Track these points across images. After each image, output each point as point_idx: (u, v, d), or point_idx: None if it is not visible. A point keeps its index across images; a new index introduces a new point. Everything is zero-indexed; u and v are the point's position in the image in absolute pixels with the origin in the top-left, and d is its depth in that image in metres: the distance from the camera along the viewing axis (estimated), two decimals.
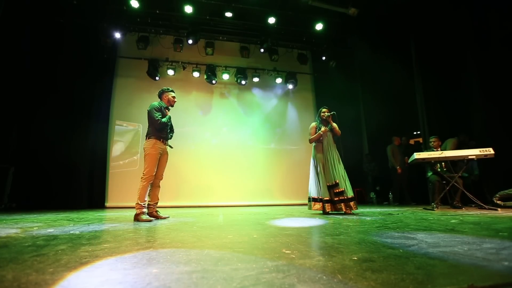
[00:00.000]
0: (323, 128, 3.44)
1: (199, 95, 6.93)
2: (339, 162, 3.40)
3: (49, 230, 2.07)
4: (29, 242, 1.52)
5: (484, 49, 4.31)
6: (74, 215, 3.64)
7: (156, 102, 3.12)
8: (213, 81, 6.71)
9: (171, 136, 3.30)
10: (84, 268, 0.98)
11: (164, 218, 3.03)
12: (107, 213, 4.10)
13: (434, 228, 1.85)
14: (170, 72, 6.54)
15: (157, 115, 2.98)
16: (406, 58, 5.74)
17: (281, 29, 6.64)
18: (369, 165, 6.86)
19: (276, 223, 2.44)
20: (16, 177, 5.31)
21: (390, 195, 5.83)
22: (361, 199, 6.91)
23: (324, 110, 3.62)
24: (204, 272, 0.90)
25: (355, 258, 1.05)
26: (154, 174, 2.94)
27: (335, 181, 3.22)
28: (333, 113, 3.48)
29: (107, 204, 5.81)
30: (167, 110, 3.16)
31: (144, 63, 6.38)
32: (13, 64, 5.23)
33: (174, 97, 3.21)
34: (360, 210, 4.08)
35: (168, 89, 3.22)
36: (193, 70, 6.63)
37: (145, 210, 2.85)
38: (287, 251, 1.21)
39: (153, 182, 3.04)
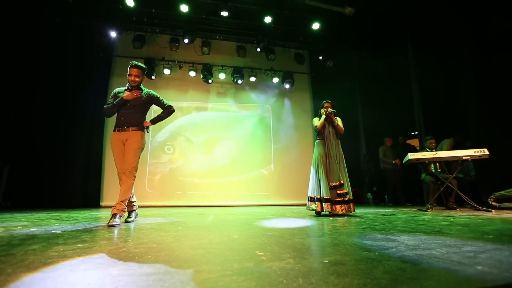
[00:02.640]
0: (323, 111, 3.30)
1: (196, 94, 6.90)
2: (342, 161, 3.22)
3: (32, 229, 2.04)
4: (4, 242, 1.50)
5: (482, 50, 4.26)
6: (65, 214, 3.63)
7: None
8: (209, 81, 6.68)
9: (160, 117, 2.83)
10: (45, 269, 0.95)
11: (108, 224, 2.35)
12: (100, 212, 4.08)
13: (421, 230, 1.81)
14: (166, 71, 6.53)
15: (107, 102, 2.68)
16: (403, 58, 5.69)
17: (277, 29, 6.60)
18: (367, 165, 6.81)
19: (263, 223, 2.40)
20: (11, 175, 5.30)
21: (387, 196, 5.78)
22: (358, 199, 6.85)
23: (326, 104, 3.41)
24: (165, 274, 0.87)
25: (326, 261, 1.02)
26: (118, 169, 2.59)
27: (340, 182, 3.03)
28: (334, 111, 3.33)
29: (102, 203, 5.80)
30: (128, 90, 2.65)
31: (140, 62, 6.35)
32: (7, 63, 5.22)
33: (129, 74, 2.62)
34: (356, 210, 4.01)
35: (130, 64, 2.65)
36: (190, 70, 6.61)
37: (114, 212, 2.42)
38: (260, 253, 1.17)
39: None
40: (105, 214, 3.78)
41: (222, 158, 6.65)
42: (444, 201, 3.99)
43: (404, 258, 1.04)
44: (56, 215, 3.39)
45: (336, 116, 3.38)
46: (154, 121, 2.83)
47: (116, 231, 2.00)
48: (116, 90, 2.73)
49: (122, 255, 1.16)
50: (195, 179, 6.37)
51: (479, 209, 3.40)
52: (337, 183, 3.07)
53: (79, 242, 1.49)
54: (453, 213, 3.25)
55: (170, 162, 6.27)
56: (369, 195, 6.43)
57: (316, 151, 3.32)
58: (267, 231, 1.89)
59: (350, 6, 5.25)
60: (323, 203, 3.06)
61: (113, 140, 2.64)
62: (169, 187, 6.14)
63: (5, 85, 5.26)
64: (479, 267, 0.89)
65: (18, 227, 2.22)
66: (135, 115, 2.66)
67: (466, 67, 4.38)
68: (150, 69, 6.32)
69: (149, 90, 2.80)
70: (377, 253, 1.13)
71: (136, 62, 2.67)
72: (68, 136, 5.70)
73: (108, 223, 2.31)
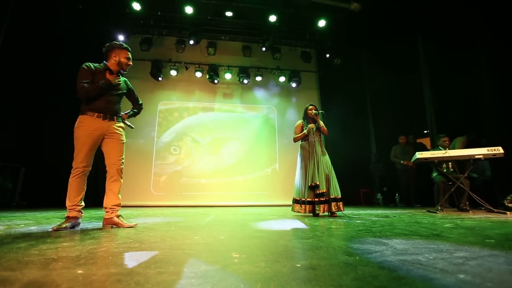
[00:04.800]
0: (310, 126, 3.31)
1: (202, 95, 6.96)
2: (324, 163, 3.21)
3: (31, 228, 2.11)
4: None
5: (498, 41, 4.00)
6: None
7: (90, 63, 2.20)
8: (215, 81, 6.71)
9: (135, 112, 2.51)
10: (15, 267, 0.96)
11: (128, 226, 2.16)
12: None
13: (419, 233, 1.70)
14: (173, 72, 6.62)
15: (83, 82, 2.10)
16: (413, 53, 5.46)
17: (283, 27, 6.54)
18: (377, 165, 6.60)
19: (259, 224, 2.36)
20: (27, 176, 5.56)
21: (397, 197, 5.57)
22: (368, 200, 6.66)
23: (310, 107, 3.44)
24: (126, 275, 0.86)
25: (299, 265, 0.97)
26: (83, 165, 2.11)
27: (316, 182, 3.05)
28: (321, 112, 3.34)
29: None
30: (108, 73, 2.18)
31: (148, 64, 6.49)
32: (22, 70, 5.48)
33: (129, 58, 2.27)
34: (362, 211, 3.91)
35: (122, 45, 2.26)
36: (196, 70, 6.68)
37: (72, 214, 2.08)
38: (235, 255, 1.14)
39: (108, 174, 2.25)
40: None
41: (228, 158, 6.65)
42: (456, 202, 3.78)
43: (384, 263, 0.97)
44: (63, 214, 3.50)
45: (321, 120, 3.43)
46: (130, 116, 2.48)
47: (109, 230, 2.02)
48: (92, 66, 2.19)
49: (97, 255, 1.16)
50: (201, 179, 6.41)
51: (494, 211, 3.19)
52: (314, 184, 3.07)
53: (66, 241, 1.51)
54: (464, 215, 3.07)
55: (176, 163, 6.34)
56: (379, 195, 6.22)
57: (300, 154, 3.38)
58: (257, 232, 1.85)
59: (356, 2, 5.10)
60: (306, 205, 3.10)
61: (88, 126, 2.09)
62: (175, 188, 6.21)
63: (21, 90, 5.52)
64: (462, 276, 0.81)
65: (21, 225, 2.30)
66: (119, 104, 2.29)
67: (481, 61, 4.13)
68: (157, 71, 6.43)
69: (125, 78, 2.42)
70: (357, 258, 1.07)
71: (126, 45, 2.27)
72: None
73: (126, 226, 2.16)
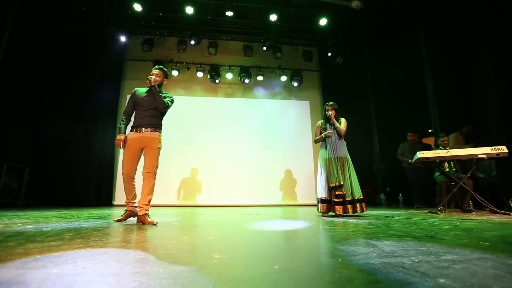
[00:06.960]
0: (327, 132, 3.29)
1: (204, 95, 6.97)
2: (345, 163, 3.18)
3: (27, 227, 2.14)
4: None
5: (502, 35, 3.88)
6: (73, 212, 3.79)
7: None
8: (216, 81, 6.72)
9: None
10: None
11: (150, 223, 2.47)
12: (106, 211, 4.22)
13: (412, 235, 1.66)
14: (175, 73, 6.64)
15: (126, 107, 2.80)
16: (416, 51, 5.35)
17: (284, 26, 6.50)
18: (380, 165, 6.50)
19: (253, 225, 2.34)
20: (32, 176, 5.66)
21: (400, 197, 5.47)
22: (371, 200, 6.56)
23: (327, 107, 3.42)
24: (98, 275, 0.85)
25: (277, 267, 0.95)
26: (123, 171, 2.59)
27: (340, 183, 3.03)
28: (330, 114, 3.31)
29: (114, 203, 6.02)
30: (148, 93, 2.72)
31: (149, 65, 6.53)
32: (27, 69, 5.58)
33: (151, 73, 2.76)
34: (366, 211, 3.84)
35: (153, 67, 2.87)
36: (197, 70, 6.69)
37: (128, 209, 2.62)
38: (216, 256, 1.12)
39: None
40: (110, 212, 3.91)
41: (231, 158, 6.64)
42: (459, 203, 3.69)
43: (365, 266, 0.94)
44: (63, 213, 3.55)
45: (341, 117, 3.39)
46: None
47: (101, 230, 2.03)
48: (135, 90, 2.83)
49: (80, 254, 1.16)
50: (204, 179, 6.41)
51: (498, 212, 3.09)
52: (336, 184, 3.04)
53: (55, 240, 1.52)
54: (466, 216, 2.99)
55: (178, 163, 6.34)
56: (382, 196, 6.13)
57: (320, 153, 3.37)
58: (248, 233, 1.83)
59: (357, 0, 5.03)
60: (324, 204, 3.10)
61: (128, 139, 2.65)
62: (177, 188, 6.23)
63: (25, 91, 5.63)
64: (442, 280, 0.78)
65: (18, 224, 2.33)
66: (154, 117, 2.69)
67: (485, 56, 4.02)
68: None
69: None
70: (339, 260, 1.04)
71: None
72: (83, 137, 5.98)
73: (148, 223, 2.38)
